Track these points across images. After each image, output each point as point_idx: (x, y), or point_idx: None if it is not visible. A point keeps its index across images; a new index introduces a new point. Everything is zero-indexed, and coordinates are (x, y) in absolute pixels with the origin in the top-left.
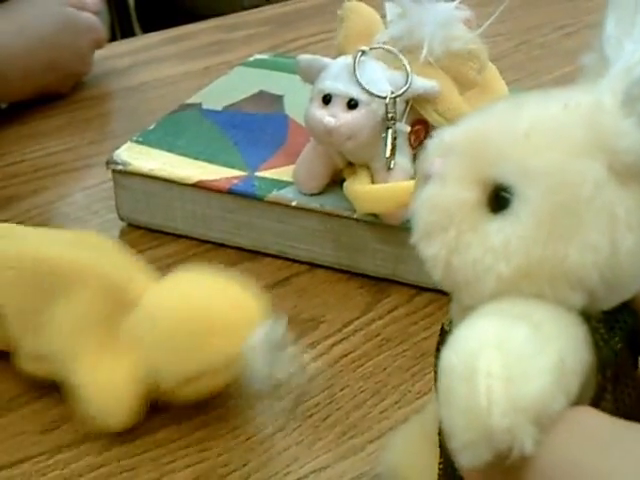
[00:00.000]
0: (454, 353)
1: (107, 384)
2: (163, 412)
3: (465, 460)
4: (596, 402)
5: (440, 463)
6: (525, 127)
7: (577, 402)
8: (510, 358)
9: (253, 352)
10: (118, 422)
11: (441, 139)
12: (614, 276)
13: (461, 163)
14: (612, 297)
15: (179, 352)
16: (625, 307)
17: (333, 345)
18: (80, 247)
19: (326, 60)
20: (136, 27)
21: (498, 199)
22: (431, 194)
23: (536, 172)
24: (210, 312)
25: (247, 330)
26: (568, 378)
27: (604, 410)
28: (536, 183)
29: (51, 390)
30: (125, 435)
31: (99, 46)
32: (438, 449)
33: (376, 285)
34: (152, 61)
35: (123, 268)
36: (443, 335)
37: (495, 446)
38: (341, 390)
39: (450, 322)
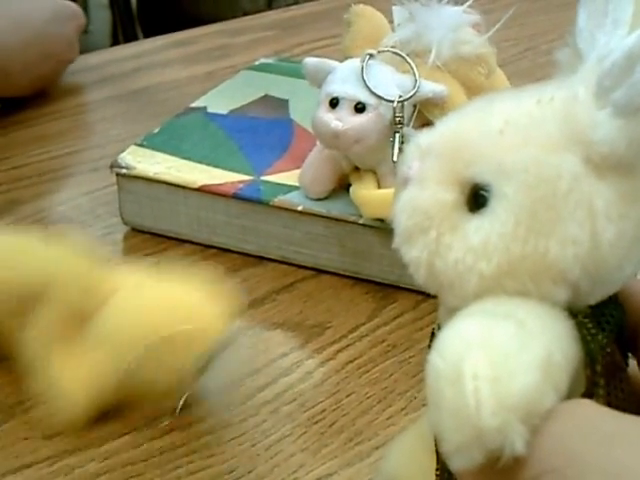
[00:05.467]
0: (440, 356)
1: (72, 379)
2: (168, 418)
3: (457, 463)
4: (588, 397)
5: (437, 469)
6: (499, 125)
7: (568, 398)
8: (495, 357)
9: (215, 353)
10: (80, 415)
11: (418, 143)
12: (597, 269)
13: (438, 165)
14: (597, 291)
15: (144, 356)
16: (611, 301)
17: (339, 351)
18: (43, 259)
19: (333, 63)
20: (139, 32)
21: (476, 198)
22: (410, 197)
23: (512, 169)
24: (175, 315)
25: (210, 332)
26: (556, 374)
27: None
28: (512, 180)
29: None
30: (130, 441)
31: (81, 32)
32: (435, 455)
33: (382, 291)
34: (156, 65)
35: (83, 274)
36: (433, 339)
37: (486, 447)
38: (347, 396)
39: (439, 326)
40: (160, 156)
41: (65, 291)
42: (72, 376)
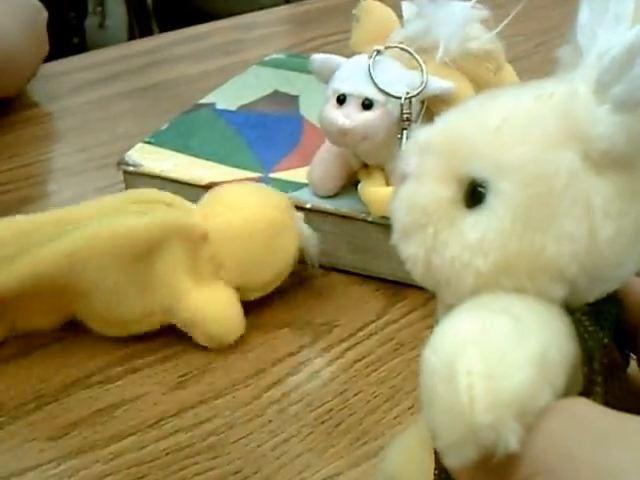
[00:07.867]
0: (434, 352)
1: (215, 308)
2: (173, 418)
3: (451, 460)
4: (586, 395)
5: (435, 469)
6: (497, 121)
7: (565, 395)
8: (490, 353)
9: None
10: (232, 335)
11: (416, 139)
12: (594, 266)
13: (436, 161)
14: (595, 288)
15: (258, 263)
16: (610, 299)
17: (347, 349)
18: (149, 209)
19: (340, 59)
20: (155, 27)
21: (474, 195)
22: (408, 193)
23: (509, 165)
24: (264, 220)
25: (291, 223)
26: (552, 370)
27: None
28: (510, 176)
29: (60, 397)
30: (135, 442)
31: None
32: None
33: (391, 288)
34: (168, 61)
35: (184, 211)
36: None
37: (480, 443)
38: (354, 395)
39: (438, 322)
40: (167, 153)
41: (175, 240)
42: (215, 304)
